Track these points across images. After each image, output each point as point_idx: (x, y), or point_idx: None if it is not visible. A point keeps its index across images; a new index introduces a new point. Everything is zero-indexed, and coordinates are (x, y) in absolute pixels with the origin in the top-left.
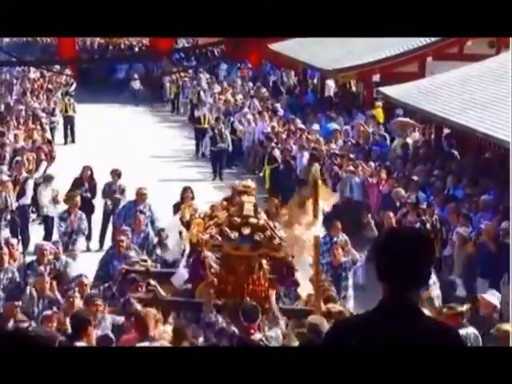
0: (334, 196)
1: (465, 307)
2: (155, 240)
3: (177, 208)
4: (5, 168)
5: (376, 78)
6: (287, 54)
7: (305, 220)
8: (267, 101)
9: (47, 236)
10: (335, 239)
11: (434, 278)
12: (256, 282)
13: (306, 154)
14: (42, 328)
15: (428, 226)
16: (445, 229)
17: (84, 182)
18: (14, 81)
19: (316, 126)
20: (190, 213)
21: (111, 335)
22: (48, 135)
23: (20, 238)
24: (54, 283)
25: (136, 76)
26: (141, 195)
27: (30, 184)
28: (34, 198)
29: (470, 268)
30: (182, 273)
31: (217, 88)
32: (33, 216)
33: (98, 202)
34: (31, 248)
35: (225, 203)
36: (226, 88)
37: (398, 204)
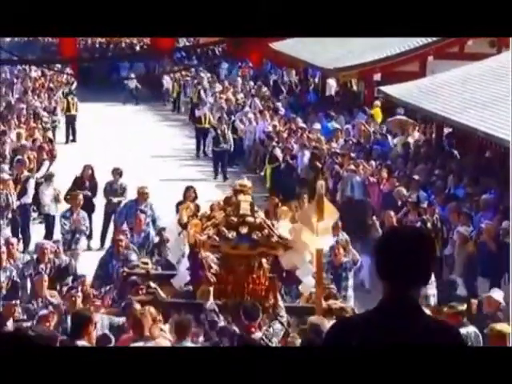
0: (337, 214)
1: (465, 306)
2: (156, 239)
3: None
4: (6, 167)
5: (377, 77)
6: (288, 53)
7: (309, 235)
8: (268, 100)
9: (48, 235)
10: (336, 239)
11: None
12: (256, 280)
13: (307, 153)
14: (42, 327)
15: (429, 225)
16: (445, 228)
17: (85, 181)
18: (15, 80)
19: (317, 125)
20: (188, 214)
21: (110, 335)
22: (49, 134)
23: (21, 236)
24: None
25: (132, 75)
26: (142, 194)
27: (31, 183)
28: (36, 197)
29: (470, 267)
30: (183, 274)
31: (218, 87)
32: (34, 215)
33: (99, 201)
34: (32, 247)
35: (222, 203)
36: (227, 87)
37: (399, 203)
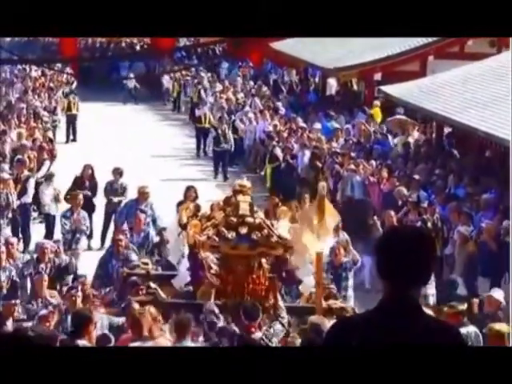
0: (338, 217)
1: (466, 306)
2: (157, 239)
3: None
4: (6, 166)
5: (377, 76)
6: (288, 52)
7: (309, 236)
8: (268, 100)
9: (48, 234)
10: (336, 239)
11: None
12: (256, 280)
13: (308, 153)
14: (42, 327)
15: (429, 224)
16: (446, 228)
17: (85, 180)
18: (15, 79)
19: (318, 125)
20: (188, 214)
21: (110, 334)
22: (49, 134)
23: (21, 236)
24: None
25: (131, 75)
26: (142, 194)
27: (32, 182)
28: (36, 197)
29: (470, 267)
30: (184, 275)
31: (218, 87)
32: (34, 214)
33: (99, 201)
34: (32, 246)
35: (221, 203)
36: (227, 87)
37: (399, 203)
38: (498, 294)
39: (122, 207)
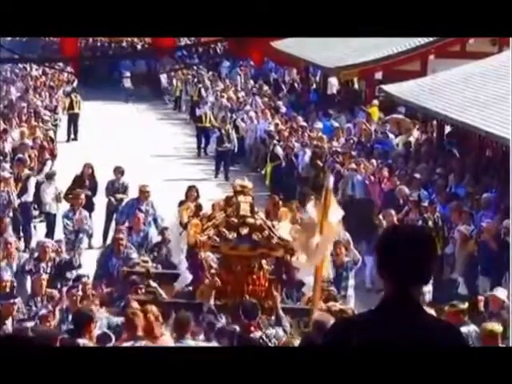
0: (341, 211)
1: (466, 305)
2: (158, 238)
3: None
4: (7, 165)
5: (378, 75)
6: (289, 51)
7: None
8: (269, 99)
9: (49, 233)
10: (337, 238)
11: None
12: (256, 281)
13: (308, 152)
14: (43, 327)
15: (430, 223)
16: (446, 227)
17: (85, 179)
18: (16, 78)
19: (319, 124)
20: (188, 214)
21: (110, 333)
22: (50, 133)
23: (22, 235)
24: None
25: (128, 74)
26: (143, 193)
27: (32, 181)
28: (37, 196)
29: (471, 266)
30: (186, 275)
31: (219, 86)
32: (35, 213)
33: (99, 200)
34: (32, 245)
35: (222, 204)
36: (228, 86)
37: (401, 202)
38: (501, 292)
39: (123, 206)
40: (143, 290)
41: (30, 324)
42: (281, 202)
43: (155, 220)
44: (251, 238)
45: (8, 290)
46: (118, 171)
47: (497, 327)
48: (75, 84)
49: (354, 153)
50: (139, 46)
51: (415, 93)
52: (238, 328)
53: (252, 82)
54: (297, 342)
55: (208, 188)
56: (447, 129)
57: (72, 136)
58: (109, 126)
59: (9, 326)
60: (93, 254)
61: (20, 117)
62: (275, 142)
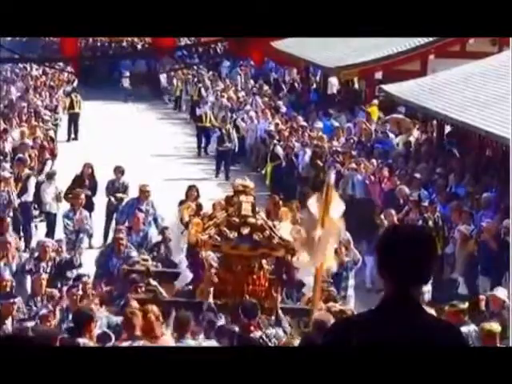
0: (343, 205)
1: (467, 304)
2: (159, 238)
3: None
4: (7, 165)
5: (378, 75)
6: (289, 51)
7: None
8: (270, 98)
9: (49, 233)
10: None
11: None
12: (256, 281)
13: (309, 152)
14: (43, 326)
15: (430, 223)
16: (447, 227)
17: (85, 179)
18: (16, 78)
19: (319, 124)
20: (189, 213)
21: (110, 332)
22: (51, 132)
23: (22, 234)
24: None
25: (127, 73)
26: (143, 192)
27: (32, 181)
28: (37, 195)
29: (471, 266)
30: (186, 274)
31: (219, 85)
32: (35, 213)
33: (99, 200)
34: (33, 245)
35: (223, 203)
36: (228, 85)
37: (401, 201)
38: (502, 292)
39: (123, 206)
40: (143, 289)
41: (30, 324)
42: (281, 202)
43: (155, 219)
44: (252, 238)
45: (8, 289)
46: (119, 171)
47: (495, 327)
48: (75, 84)
49: (354, 152)
50: (139, 46)
51: (415, 93)
52: (237, 328)
53: (252, 81)
54: (297, 342)
55: (208, 188)
56: (447, 128)
57: (72, 136)
58: (109, 126)
59: (8, 325)
60: (93, 253)
61: (20, 116)
62: (275, 141)
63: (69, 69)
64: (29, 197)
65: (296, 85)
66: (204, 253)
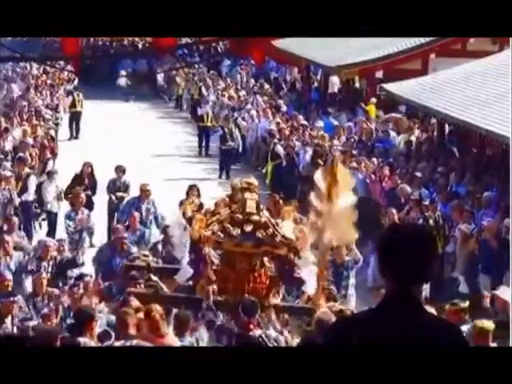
0: (352, 180)
1: (467, 303)
2: (160, 237)
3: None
4: (8, 164)
5: (379, 74)
6: (290, 50)
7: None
8: (270, 98)
9: (51, 232)
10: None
11: None
12: (257, 279)
13: (309, 151)
14: (44, 326)
15: (431, 222)
16: (447, 225)
17: (84, 178)
18: (17, 77)
19: (320, 123)
20: (192, 209)
21: (110, 330)
22: (51, 132)
23: (23, 234)
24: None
25: (123, 72)
26: (144, 191)
27: (32, 180)
28: (38, 194)
29: (472, 265)
30: (187, 269)
31: (220, 84)
32: (36, 212)
33: (99, 199)
34: (33, 244)
35: (227, 200)
36: (229, 84)
37: (402, 200)
38: (505, 292)
39: (124, 205)
40: (142, 286)
41: (32, 323)
42: (281, 202)
43: (156, 218)
44: (255, 236)
45: (10, 288)
46: (120, 170)
47: (488, 324)
48: (76, 82)
49: (354, 151)
50: (140, 45)
51: (416, 91)
52: (237, 326)
53: (253, 80)
54: (296, 341)
55: (209, 187)
56: (448, 128)
57: (74, 134)
58: (110, 125)
59: (8, 324)
60: (94, 252)
61: (21, 115)
62: (276, 140)
63: (69, 68)
64: (29, 196)
65: (297, 84)
66: (207, 249)
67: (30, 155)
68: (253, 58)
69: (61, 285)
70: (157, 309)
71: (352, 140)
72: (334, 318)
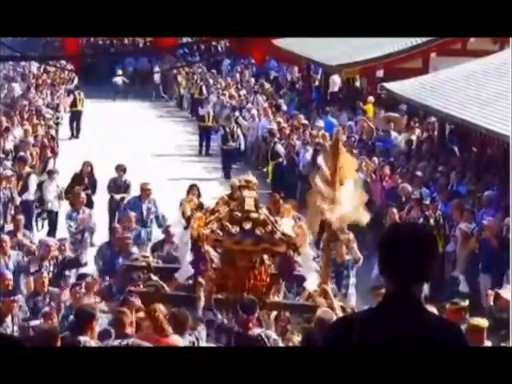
0: (355, 160)
1: (467, 302)
2: (161, 236)
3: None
4: (9, 163)
5: (380, 73)
6: (291, 49)
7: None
8: (271, 97)
9: (51, 231)
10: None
11: None
12: (257, 276)
13: (310, 150)
14: (44, 325)
15: (431, 221)
16: (448, 225)
17: (84, 177)
18: (18, 76)
19: (320, 122)
20: (191, 207)
21: (111, 329)
22: (52, 131)
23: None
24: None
25: (120, 71)
26: (145, 190)
27: (33, 179)
28: (39, 193)
29: (472, 264)
30: (187, 268)
31: (221, 84)
32: (37, 211)
33: (99, 198)
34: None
35: (226, 198)
36: (229, 84)
37: (403, 199)
38: (508, 291)
39: (125, 204)
40: (145, 284)
41: (33, 323)
42: (281, 201)
43: (157, 218)
44: (254, 233)
45: (10, 287)
46: (120, 169)
47: (482, 322)
48: (76, 82)
49: (355, 151)
50: (141, 44)
51: (417, 90)
52: (236, 324)
53: (253, 80)
54: (296, 338)
55: (210, 186)
56: (449, 127)
57: (74, 133)
58: (110, 124)
59: (9, 323)
60: (95, 251)
61: (22, 115)
62: (276, 140)
63: (69, 67)
64: (30, 195)
65: (297, 83)
66: (206, 247)
67: (31, 154)
68: (253, 58)
69: (62, 284)
70: (160, 309)
71: (352, 139)
72: (333, 317)
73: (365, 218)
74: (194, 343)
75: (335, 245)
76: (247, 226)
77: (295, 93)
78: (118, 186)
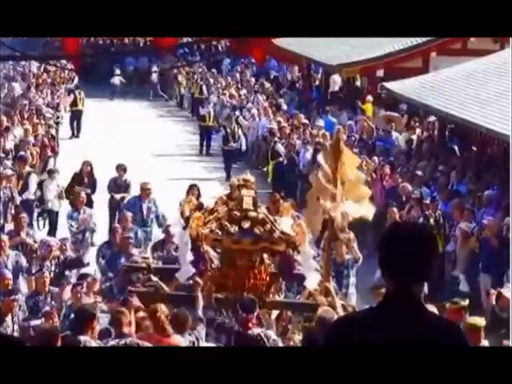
0: (357, 158)
1: (467, 302)
2: (161, 236)
3: None
4: (9, 163)
5: (380, 73)
6: (291, 49)
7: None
8: (271, 96)
9: (52, 231)
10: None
11: None
12: (257, 276)
13: (310, 149)
14: (44, 324)
15: (431, 221)
16: (448, 224)
17: (83, 177)
18: (18, 76)
19: (320, 122)
20: (190, 207)
21: (111, 328)
22: (52, 130)
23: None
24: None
25: (118, 71)
26: (145, 190)
27: (33, 179)
28: (39, 193)
29: (472, 263)
30: (188, 268)
31: (221, 83)
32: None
33: (99, 198)
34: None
35: (225, 198)
36: (230, 83)
37: (404, 199)
38: (509, 291)
39: (125, 204)
40: (145, 285)
41: (33, 322)
42: (281, 200)
43: (157, 217)
44: (253, 232)
45: (10, 287)
46: (121, 168)
47: (479, 321)
48: (76, 81)
49: (355, 150)
50: (141, 44)
51: (417, 90)
52: (236, 324)
53: (253, 79)
54: (297, 337)
55: (210, 186)
56: (449, 126)
57: (75, 133)
58: (111, 124)
59: (9, 322)
60: (95, 251)
61: (22, 114)
62: (276, 139)
63: (69, 66)
64: (30, 194)
65: (297, 82)
66: (205, 247)
67: (31, 154)
68: (253, 57)
69: (64, 284)
70: (162, 309)
71: (353, 139)
72: (334, 316)
73: (370, 212)
74: (193, 343)
75: (335, 244)
76: (246, 225)
77: (295, 92)
78: (118, 185)
